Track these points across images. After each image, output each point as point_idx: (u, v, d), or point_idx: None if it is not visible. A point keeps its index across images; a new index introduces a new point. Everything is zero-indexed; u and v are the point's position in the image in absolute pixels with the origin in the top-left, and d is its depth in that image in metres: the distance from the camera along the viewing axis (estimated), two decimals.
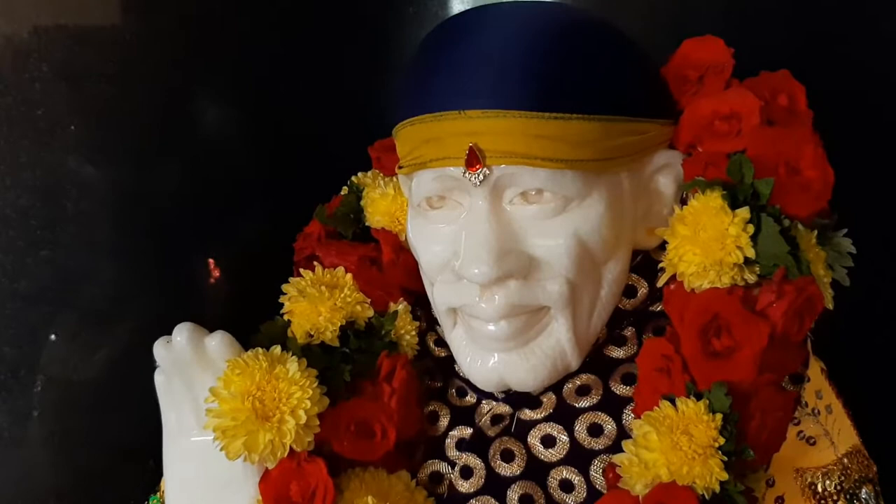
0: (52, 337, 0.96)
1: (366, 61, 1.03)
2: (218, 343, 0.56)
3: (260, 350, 0.56)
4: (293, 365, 0.56)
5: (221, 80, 0.98)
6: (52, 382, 0.95)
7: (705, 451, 0.50)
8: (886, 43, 0.82)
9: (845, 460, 0.60)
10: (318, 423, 0.55)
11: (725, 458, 0.50)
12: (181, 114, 0.97)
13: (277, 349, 0.57)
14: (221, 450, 0.54)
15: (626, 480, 0.52)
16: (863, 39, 0.85)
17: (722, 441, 0.50)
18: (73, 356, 0.95)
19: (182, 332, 0.56)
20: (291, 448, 0.55)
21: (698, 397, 0.52)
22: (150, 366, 0.98)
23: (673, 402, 0.52)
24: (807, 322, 0.54)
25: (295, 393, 0.55)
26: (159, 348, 0.58)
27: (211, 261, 1.03)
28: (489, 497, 0.58)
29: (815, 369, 0.62)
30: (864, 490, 0.60)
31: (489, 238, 0.54)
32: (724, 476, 0.49)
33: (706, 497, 0.50)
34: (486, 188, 0.55)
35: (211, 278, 1.04)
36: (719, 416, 0.50)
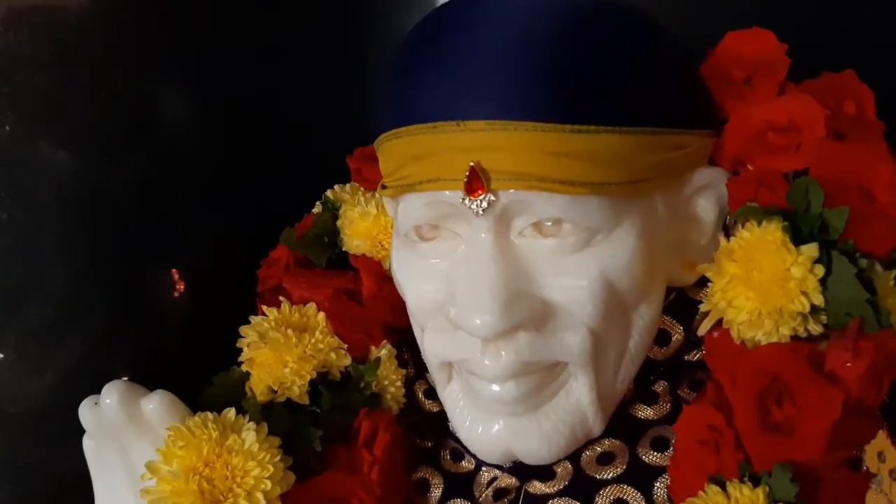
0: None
1: (346, 58, 0.94)
2: (157, 406, 0.46)
3: (209, 415, 0.46)
4: (250, 434, 0.45)
5: (185, 75, 0.89)
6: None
7: None
8: None
9: None
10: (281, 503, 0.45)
11: None
12: (142, 117, 0.88)
13: (231, 413, 0.46)
14: None
15: None
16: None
17: None
18: (12, 382, 0.87)
19: (112, 394, 0.46)
20: None
21: (755, 482, 0.42)
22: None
23: (723, 486, 0.42)
24: (886, 383, 0.44)
25: (252, 470, 0.44)
26: (85, 412, 0.48)
27: (174, 271, 0.94)
28: None
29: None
30: None
31: (494, 280, 0.44)
32: None
33: None
34: (491, 217, 0.44)
35: (175, 291, 0.94)
36: None
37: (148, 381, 0.85)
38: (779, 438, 0.42)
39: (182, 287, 0.93)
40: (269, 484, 0.44)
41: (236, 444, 0.45)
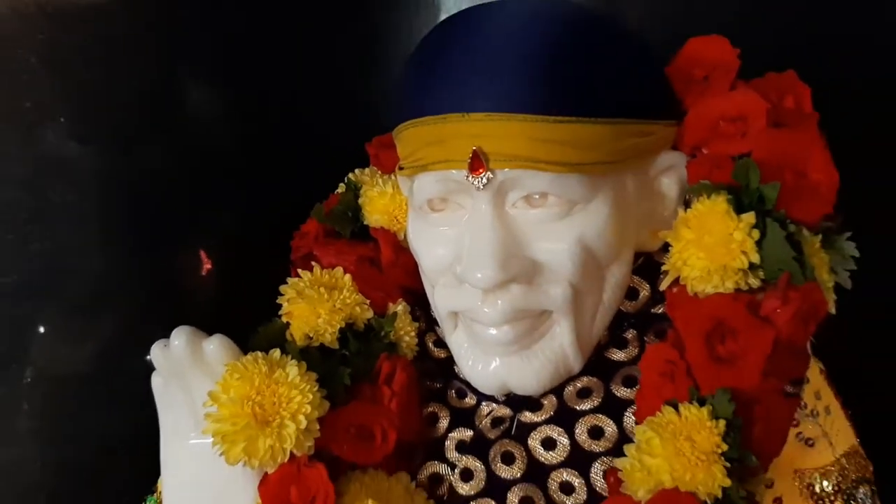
0: (41, 330, 0.96)
1: (359, 52, 1.01)
2: (216, 347, 0.55)
3: (259, 354, 0.55)
4: (293, 369, 0.55)
5: (211, 74, 0.97)
6: (41, 376, 0.94)
7: (708, 458, 0.50)
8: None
9: (843, 461, 0.60)
10: (318, 427, 0.55)
11: (728, 465, 0.50)
12: (170, 107, 0.96)
13: (276, 353, 0.56)
14: (221, 454, 0.53)
15: (628, 486, 0.52)
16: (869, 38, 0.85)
17: (725, 447, 0.50)
18: (61, 350, 0.95)
19: (179, 336, 0.56)
20: (291, 453, 0.54)
21: (701, 403, 0.51)
22: (140, 359, 0.97)
23: (676, 407, 0.52)
24: (811, 327, 0.54)
25: (295, 397, 0.54)
26: (156, 352, 0.57)
27: (202, 252, 1.02)
28: (489, 500, 0.57)
29: (815, 371, 0.62)
30: (861, 490, 0.61)
31: (493, 242, 0.54)
32: (727, 482, 0.49)
33: (709, 503, 0.50)
34: (490, 192, 0.54)
35: (202, 270, 1.03)
36: (723, 423, 0.50)
37: None
38: (722, 369, 0.52)
39: (210, 265, 1.02)
40: (308, 409, 0.54)
41: (282, 377, 0.55)
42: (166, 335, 1.01)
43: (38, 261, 0.92)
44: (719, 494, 0.50)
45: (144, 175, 0.94)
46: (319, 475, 0.54)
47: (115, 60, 0.90)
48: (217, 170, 0.97)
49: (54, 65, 0.88)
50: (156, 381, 0.60)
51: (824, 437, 0.60)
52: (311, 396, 0.54)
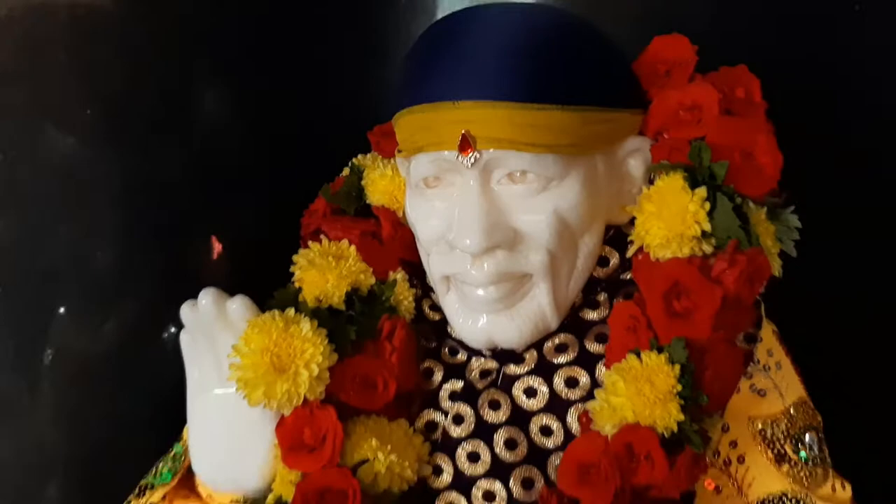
0: (61, 310, 1.02)
1: (362, 53, 1.08)
2: (238, 306, 0.63)
3: (276, 311, 0.63)
4: (306, 324, 0.63)
5: (222, 69, 1.03)
6: (61, 356, 0.99)
7: (665, 397, 0.58)
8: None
9: (792, 410, 0.68)
10: (328, 375, 0.63)
11: (682, 403, 0.57)
12: (186, 105, 1.01)
13: (291, 311, 0.64)
14: (244, 398, 0.61)
15: (597, 423, 0.60)
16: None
17: (679, 388, 0.58)
18: (81, 331, 0.99)
19: (206, 296, 0.63)
20: (305, 397, 0.62)
21: (660, 351, 0.59)
22: (156, 341, 1.04)
23: (638, 355, 0.60)
24: (756, 287, 0.62)
25: (308, 349, 0.62)
26: (186, 310, 0.65)
27: (213, 238, 1.09)
28: (478, 440, 0.65)
29: (768, 331, 0.70)
30: (808, 435, 0.69)
31: (479, 213, 0.62)
32: (681, 417, 0.57)
33: (665, 436, 0.58)
34: (477, 170, 0.62)
35: (214, 254, 1.09)
36: (678, 367, 0.58)
37: None
38: (677, 322, 0.60)
39: (220, 249, 1.09)
40: (320, 359, 0.62)
41: (296, 332, 0.63)
42: (177, 320, 1.07)
43: (62, 246, 0.99)
44: (675, 428, 0.58)
45: (162, 168, 1.00)
46: (330, 416, 0.62)
47: (136, 63, 0.96)
48: (228, 165, 1.04)
49: (81, 66, 0.95)
50: (184, 338, 0.67)
51: (775, 388, 0.68)
52: (321, 348, 0.62)
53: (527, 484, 0.64)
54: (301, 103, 1.08)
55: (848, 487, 0.69)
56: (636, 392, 0.58)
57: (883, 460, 0.84)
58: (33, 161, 0.95)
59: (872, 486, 0.71)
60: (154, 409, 0.96)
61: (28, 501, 1.03)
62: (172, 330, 1.04)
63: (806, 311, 0.78)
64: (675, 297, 0.60)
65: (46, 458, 1.00)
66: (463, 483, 0.65)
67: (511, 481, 0.64)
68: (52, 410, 0.98)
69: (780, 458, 0.66)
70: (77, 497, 1.01)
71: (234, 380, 0.62)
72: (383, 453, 0.63)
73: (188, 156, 1.02)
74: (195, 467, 0.70)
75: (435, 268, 0.67)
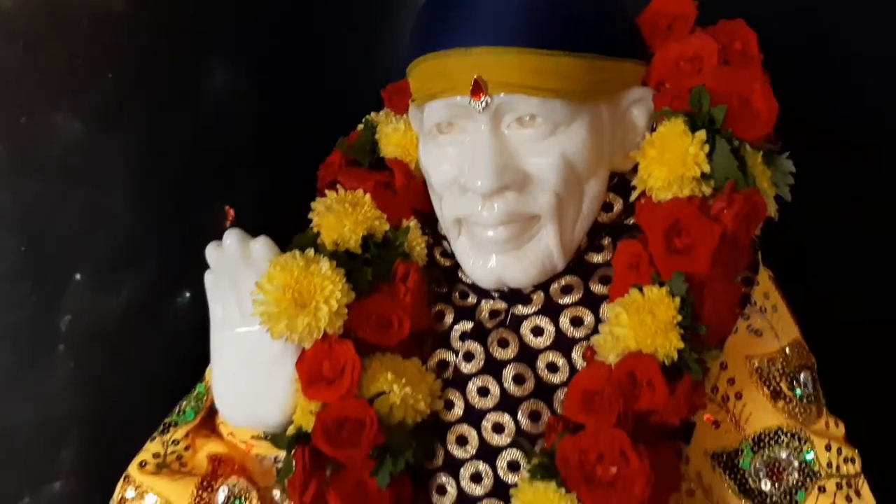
0: (77, 276, 1.05)
1: (368, 34, 1.12)
2: (262, 246, 0.67)
3: (297, 251, 0.67)
4: (325, 263, 0.66)
5: (232, 44, 1.05)
6: (79, 320, 1.01)
7: (666, 326, 0.61)
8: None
9: (787, 350, 0.72)
10: (346, 312, 0.66)
11: (682, 332, 0.61)
12: (198, 82, 1.04)
13: (311, 251, 0.67)
14: (267, 332, 0.65)
15: (600, 354, 0.63)
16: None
17: (679, 318, 0.61)
18: (99, 296, 1.00)
19: (231, 237, 0.67)
20: (325, 332, 0.65)
21: (661, 285, 0.62)
22: (172, 305, 1.06)
23: (641, 289, 0.63)
24: (753, 226, 0.65)
25: (327, 286, 0.65)
26: (211, 251, 0.68)
27: (227, 207, 1.12)
28: (488, 376, 0.68)
29: (764, 276, 0.74)
30: (802, 375, 0.72)
31: (491, 154, 0.65)
32: (681, 345, 0.60)
33: (666, 363, 0.61)
34: (488, 114, 0.65)
35: (227, 222, 1.12)
36: (678, 299, 0.61)
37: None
38: (678, 258, 0.63)
39: (232, 216, 1.12)
40: (339, 295, 0.65)
41: (316, 270, 0.66)
42: (196, 281, 1.10)
43: (80, 212, 1.02)
44: (675, 357, 0.61)
45: (177, 135, 1.03)
46: (348, 349, 0.65)
47: (154, 44, 1.00)
48: (240, 139, 1.07)
49: (99, 31, 0.97)
50: (208, 279, 0.71)
51: (771, 329, 0.72)
52: (340, 285, 0.66)
53: (534, 416, 0.67)
54: (310, 78, 1.10)
55: (841, 426, 0.72)
56: (639, 323, 0.61)
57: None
58: (51, 125, 0.98)
59: (864, 426, 0.74)
60: (170, 372, 0.98)
61: (45, 464, 1.04)
62: (187, 294, 1.08)
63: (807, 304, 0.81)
64: (676, 235, 0.63)
65: (63, 421, 1.01)
66: (473, 416, 0.68)
67: (519, 414, 0.67)
68: (70, 374, 1.00)
69: (775, 395, 0.70)
70: (93, 460, 1.02)
71: (257, 315, 0.65)
72: (398, 386, 0.66)
73: (203, 131, 1.05)
74: (218, 405, 0.73)
75: (447, 211, 0.70)
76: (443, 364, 0.71)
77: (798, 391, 0.71)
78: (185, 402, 0.78)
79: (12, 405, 0.99)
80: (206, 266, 1.07)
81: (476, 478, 0.67)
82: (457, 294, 0.74)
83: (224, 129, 1.06)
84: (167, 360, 1.01)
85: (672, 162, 0.64)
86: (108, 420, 1.01)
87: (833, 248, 0.95)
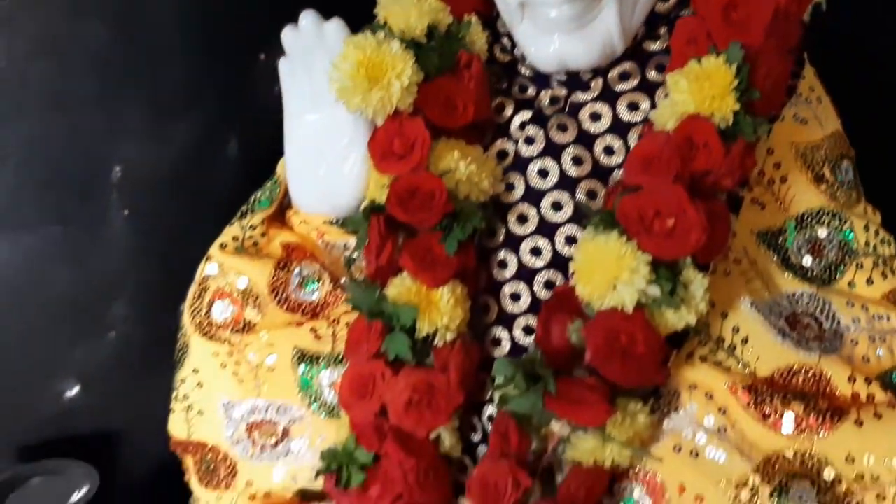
0: (128, 129, 1.08)
1: None
2: (336, 25, 0.70)
3: (368, 32, 0.70)
4: (396, 44, 0.70)
5: None
6: (129, 172, 1.06)
7: (723, 91, 0.64)
8: None
9: (829, 139, 0.76)
10: (416, 89, 0.70)
11: (738, 95, 0.64)
12: None
13: (381, 33, 0.71)
14: (343, 105, 0.69)
15: (658, 122, 0.67)
16: None
17: (736, 83, 0.64)
18: (147, 147, 1.06)
19: (307, 17, 0.70)
20: (397, 108, 0.69)
21: (718, 55, 0.66)
22: (220, 154, 1.09)
23: (699, 60, 0.66)
24: (804, 3, 0.68)
25: (399, 64, 0.69)
26: (287, 33, 0.72)
27: (262, 55, 1.14)
28: (548, 158, 0.72)
29: (810, 72, 0.77)
30: (843, 163, 0.76)
31: None
32: (737, 107, 0.64)
33: (721, 127, 0.65)
34: None
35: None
36: (734, 66, 0.65)
37: (256, 149, 1.03)
38: (734, 29, 0.66)
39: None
40: (410, 72, 0.69)
41: (387, 49, 0.69)
42: (240, 137, 1.10)
43: (125, 68, 1.05)
44: (730, 119, 0.64)
45: None
46: (418, 125, 0.69)
47: None
48: None
49: None
50: (283, 67, 0.75)
51: (815, 118, 0.75)
52: (410, 63, 0.69)
53: (591, 195, 0.71)
54: None
55: (878, 214, 0.76)
56: (698, 88, 0.65)
57: None
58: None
59: None
60: (218, 223, 1.03)
61: (96, 321, 1.09)
62: (233, 144, 1.12)
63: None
64: (733, 8, 0.66)
65: (114, 275, 1.07)
66: (534, 195, 0.72)
67: (577, 192, 0.71)
68: (122, 223, 1.06)
69: (818, 179, 0.74)
70: (144, 313, 1.09)
71: (333, 91, 0.69)
72: (464, 163, 0.70)
73: None
74: (292, 191, 0.78)
75: None
76: (502, 154, 0.75)
77: (840, 177, 0.75)
78: (259, 193, 0.83)
79: (67, 257, 1.05)
80: (251, 116, 1.10)
81: (535, 251, 0.72)
82: (516, 87, 0.77)
83: None
84: (215, 207, 1.05)
85: None
86: (159, 275, 1.07)
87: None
